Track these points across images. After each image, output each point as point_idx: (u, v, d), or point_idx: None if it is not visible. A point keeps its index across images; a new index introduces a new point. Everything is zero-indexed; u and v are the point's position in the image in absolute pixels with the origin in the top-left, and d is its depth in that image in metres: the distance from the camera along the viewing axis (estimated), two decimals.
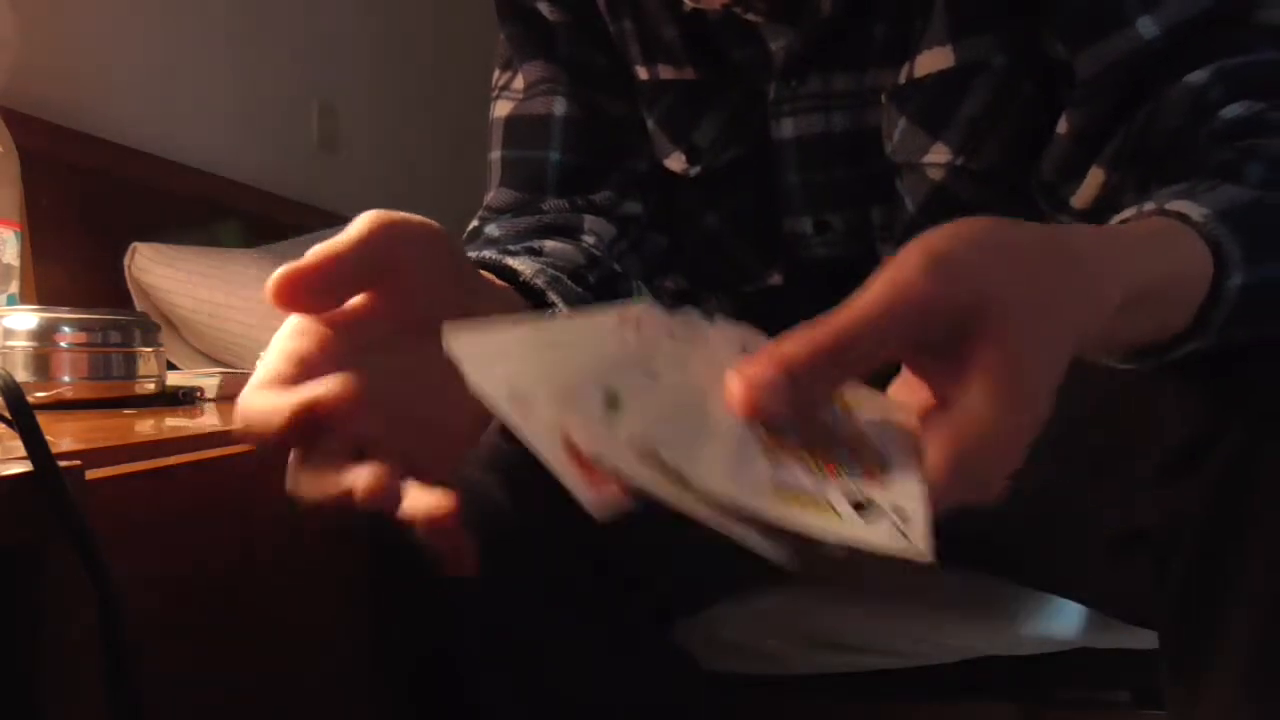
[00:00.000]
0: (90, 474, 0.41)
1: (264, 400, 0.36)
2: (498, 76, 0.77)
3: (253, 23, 1.82)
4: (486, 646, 0.65)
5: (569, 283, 0.59)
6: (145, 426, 0.61)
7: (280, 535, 0.59)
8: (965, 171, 0.65)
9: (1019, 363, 0.34)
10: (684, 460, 0.31)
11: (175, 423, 0.65)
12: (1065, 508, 0.62)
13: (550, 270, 0.58)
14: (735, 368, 0.34)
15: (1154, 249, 0.42)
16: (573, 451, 0.30)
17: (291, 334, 0.40)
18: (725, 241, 0.76)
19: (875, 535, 0.31)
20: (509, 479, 0.58)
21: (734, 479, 0.31)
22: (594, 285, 0.64)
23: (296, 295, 0.39)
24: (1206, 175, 0.47)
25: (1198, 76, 0.52)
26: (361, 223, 0.40)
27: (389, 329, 0.41)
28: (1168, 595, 0.50)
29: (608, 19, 0.74)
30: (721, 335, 0.39)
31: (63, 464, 0.39)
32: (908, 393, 0.39)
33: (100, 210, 1.35)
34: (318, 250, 0.39)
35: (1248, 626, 0.46)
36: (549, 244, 0.66)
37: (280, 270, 0.38)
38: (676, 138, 0.74)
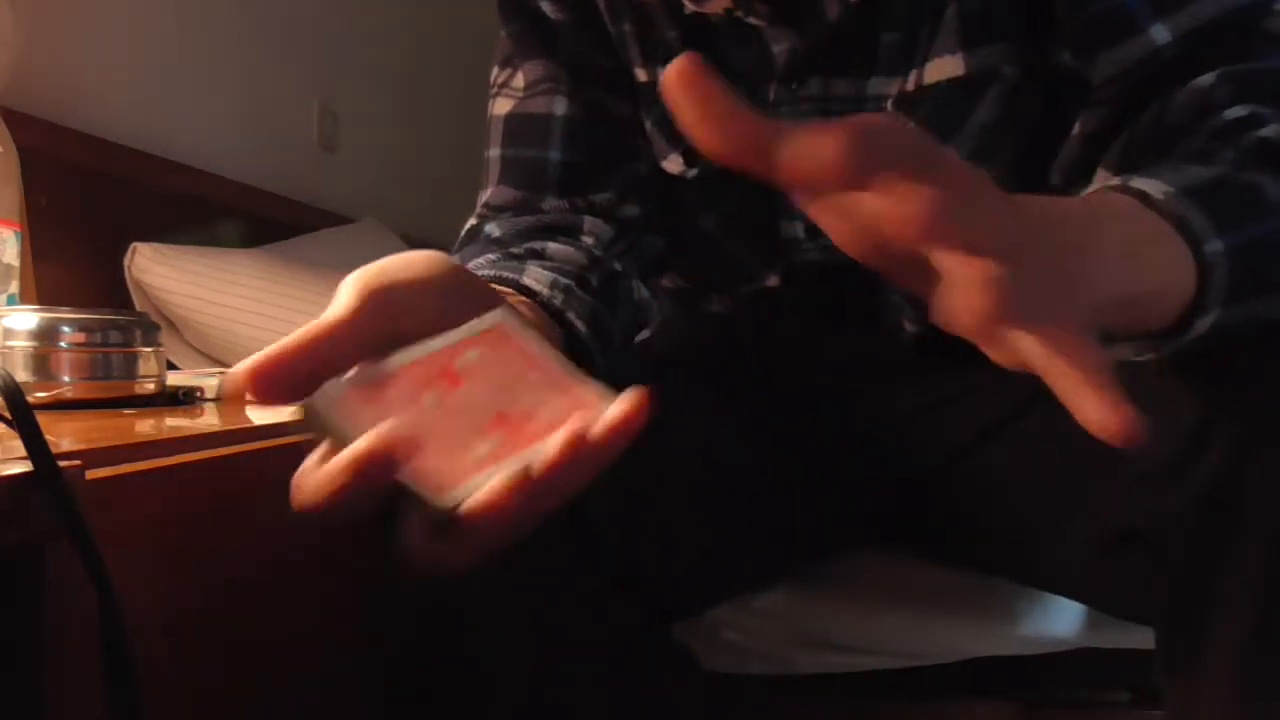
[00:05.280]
0: (90, 474, 0.41)
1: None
2: (496, 73, 0.77)
3: (253, 23, 1.82)
4: (487, 646, 0.65)
5: (579, 292, 0.61)
6: (145, 426, 0.61)
7: (281, 535, 0.59)
8: None
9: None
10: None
11: (175, 423, 0.65)
12: (1062, 505, 0.62)
13: (562, 280, 0.60)
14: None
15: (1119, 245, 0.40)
16: None
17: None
18: (722, 243, 0.76)
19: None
20: None
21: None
22: (596, 287, 0.64)
23: (275, 386, 0.34)
24: (1177, 160, 0.47)
25: (1205, 79, 0.53)
26: (348, 295, 0.36)
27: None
28: (1160, 596, 0.51)
29: (608, 20, 0.74)
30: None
31: (63, 464, 0.39)
32: None
33: (100, 210, 1.35)
34: (301, 336, 0.34)
35: (1237, 630, 0.47)
36: (551, 246, 0.66)
37: (256, 358, 0.34)
38: (674, 139, 0.74)
